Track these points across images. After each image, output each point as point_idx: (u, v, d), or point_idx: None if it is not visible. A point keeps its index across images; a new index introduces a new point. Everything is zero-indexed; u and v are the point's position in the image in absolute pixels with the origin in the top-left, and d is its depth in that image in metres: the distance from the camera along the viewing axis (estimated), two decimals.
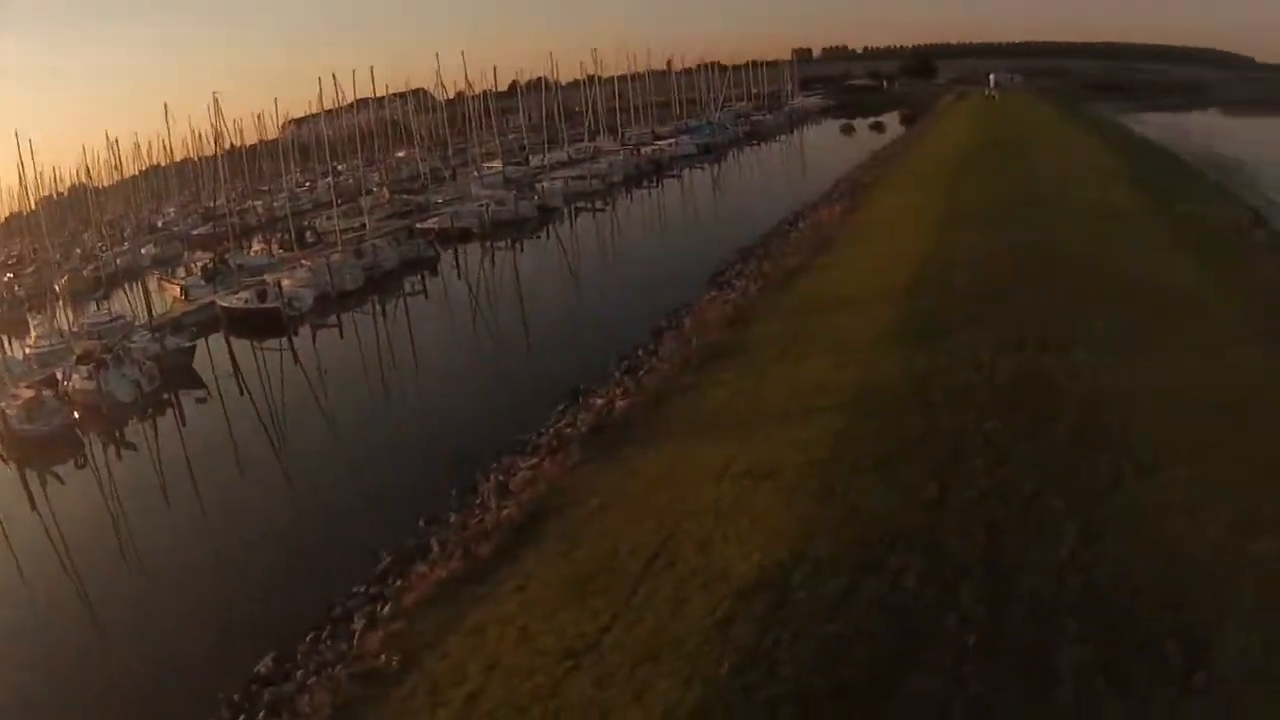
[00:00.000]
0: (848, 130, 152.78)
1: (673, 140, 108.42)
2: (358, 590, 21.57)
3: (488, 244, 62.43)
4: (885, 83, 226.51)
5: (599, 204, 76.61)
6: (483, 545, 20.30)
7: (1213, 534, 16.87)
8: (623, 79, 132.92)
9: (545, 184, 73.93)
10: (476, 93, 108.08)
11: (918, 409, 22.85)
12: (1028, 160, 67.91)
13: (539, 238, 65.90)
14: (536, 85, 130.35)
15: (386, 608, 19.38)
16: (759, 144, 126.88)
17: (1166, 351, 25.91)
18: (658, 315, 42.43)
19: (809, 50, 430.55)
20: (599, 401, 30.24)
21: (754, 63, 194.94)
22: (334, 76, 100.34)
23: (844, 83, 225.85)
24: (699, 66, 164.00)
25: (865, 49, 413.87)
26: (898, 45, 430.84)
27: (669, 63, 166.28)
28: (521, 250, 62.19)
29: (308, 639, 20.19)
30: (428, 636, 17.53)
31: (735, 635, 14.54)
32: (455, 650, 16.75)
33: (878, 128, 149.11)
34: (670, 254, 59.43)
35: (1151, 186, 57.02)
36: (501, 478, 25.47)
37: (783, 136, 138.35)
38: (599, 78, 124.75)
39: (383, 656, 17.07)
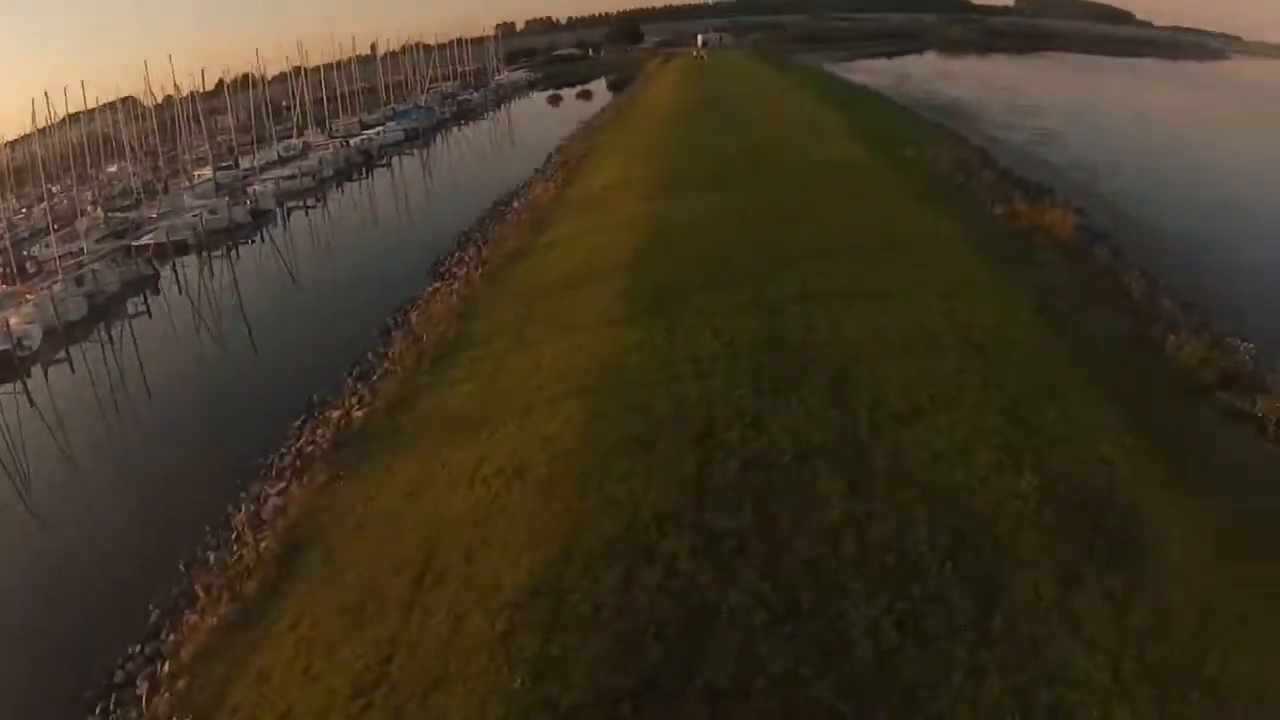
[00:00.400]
0: (555, 101, 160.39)
1: (380, 128, 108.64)
2: (134, 651, 21.06)
3: (205, 255, 61.43)
4: (591, 51, 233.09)
5: (312, 202, 77.35)
6: (248, 584, 20.84)
7: (982, 476, 19.06)
8: (329, 68, 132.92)
9: (256, 187, 74.38)
10: (184, 95, 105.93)
11: (663, 384, 24.22)
12: (744, 120, 73.38)
13: (255, 243, 66.52)
14: (245, 83, 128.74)
15: (166, 666, 19.41)
16: (467, 123, 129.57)
17: (904, 298, 29.04)
18: (385, 313, 42.92)
19: (513, 24, 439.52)
20: (336, 414, 30.41)
21: (459, 40, 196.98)
22: (45, 94, 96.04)
23: (550, 54, 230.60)
24: (404, 48, 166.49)
25: (570, 19, 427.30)
26: (603, 13, 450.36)
27: (373, 47, 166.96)
28: (239, 258, 62.28)
29: (96, 713, 19.47)
30: (214, 690, 17.59)
31: (521, 647, 15.22)
32: (245, 703, 16.92)
33: (585, 95, 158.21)
34: (389, 247, 60.91)
35: (873, 136, 63.15)
36: (253, 507, 25.82)
37: (491, 114, 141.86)
38: (305, 69, 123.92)
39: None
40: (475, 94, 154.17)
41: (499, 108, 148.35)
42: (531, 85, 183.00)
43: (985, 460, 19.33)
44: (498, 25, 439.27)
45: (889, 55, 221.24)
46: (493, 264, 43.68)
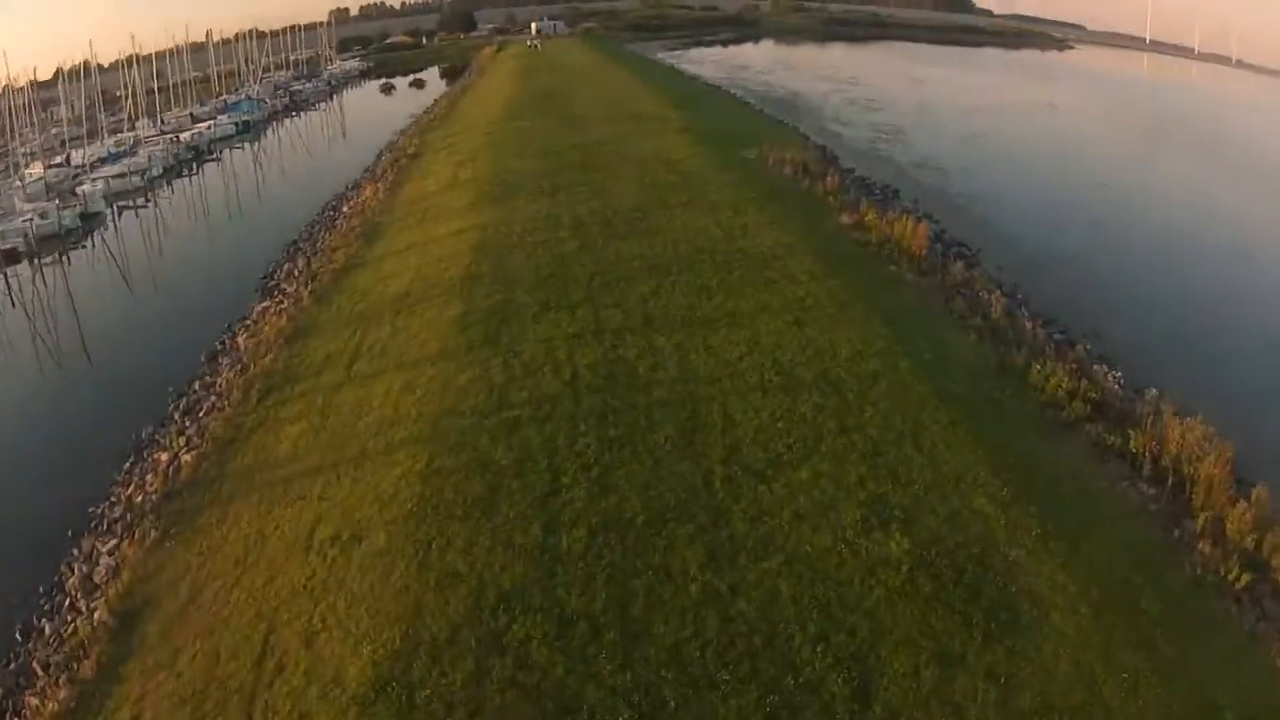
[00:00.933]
0: (388, 90, 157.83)
1: (210, 122, 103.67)
2: None
3: (36, 263, 56.99)
4: (425, 39, 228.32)
5: (142, 202, 72.69)
6: (84, 664, 19.57)
7: (850, 540, 17.93)
8: (162, 56, 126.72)
9: (86, 187, 70.34)
10: (19, 86, 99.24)
11: (503, 432, 22.44)
12: (578, 115, 71.52)
13: (86, 249, 62.36)
14: (84, 71, 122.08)
15: None
16: (299, 115, 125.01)
17: (752, 325, 27.62)
18: (213, 334, 39.65)
19: (347, 10, 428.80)
20: (163, 456, 27.95)
21: (292, 27, 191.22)
22: None
23: (383, 42, 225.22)
24: (237, 36, 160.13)
25: (404, 4, 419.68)
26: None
27: (208, 34, 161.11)
28: (70, 266, 57.75)
29: None
30: None
31: None
32: None
33: (418, 85, 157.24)
34: (219, 255, 56.94)
35: (711, 135, 62.10)
36: (85, 567, 24.19)
37: (323, 104, 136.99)
38: (138, 57, 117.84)
39: None
40: (307, 84, 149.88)
41: (331, 98, 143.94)
42: (364, 74, 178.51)
43: (852, 519, 18.25)
44: (332, 11, 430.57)
45: (725, 43, 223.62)
46: (322, 280, 40.84)
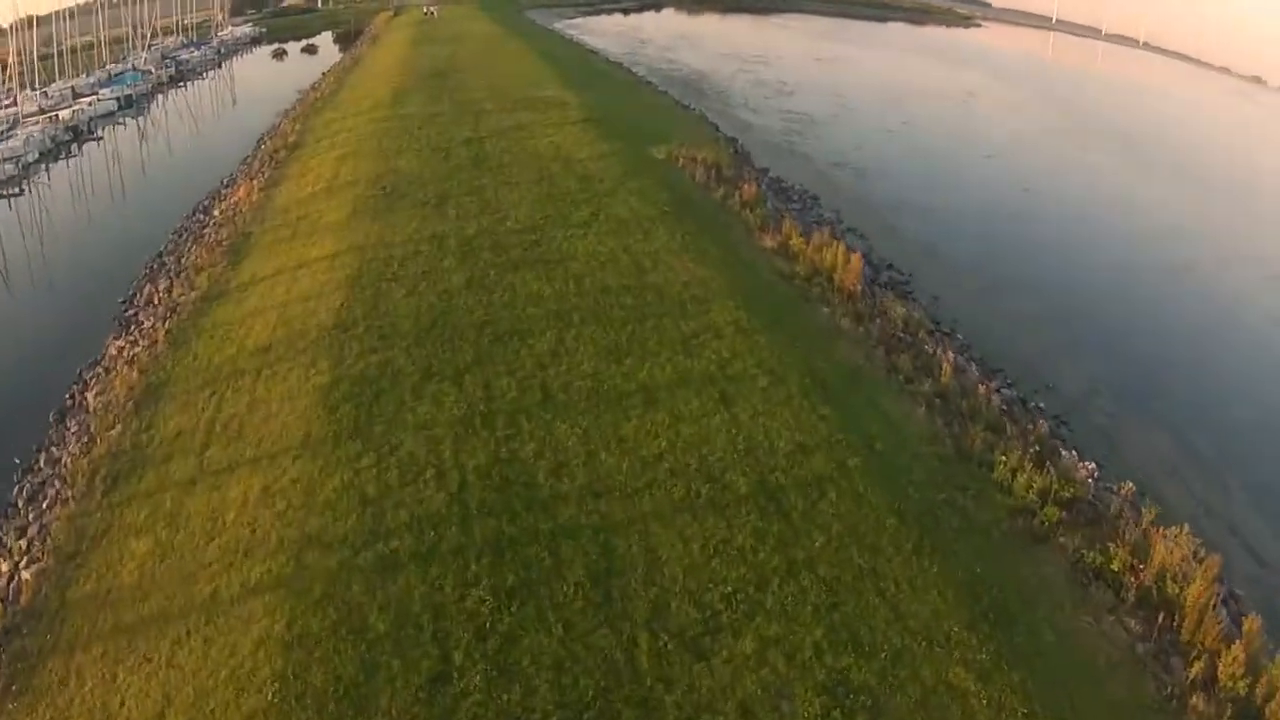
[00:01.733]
0: (280, 56, 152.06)
1: (92, 97, 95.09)
2: None
3: None
4: (320, 2, 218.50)
5: (15, 191, 64.38)
6: None
7: None
8: (50, 20, 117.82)
9: None
10: None
11: (378, 576, 18.07)
12: (471, 99, 66.26)
13: None
14: None
15: None
16: (186, 86, 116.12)
17: (671, 403, 23.80)
18: (69, 374, 33.84)
19: None
20: (4, 567, 22.98)
21: None
22: None
23: (279, 5, 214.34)
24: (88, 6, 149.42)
25: None
26: None
27: None
28: None
29: None
30: None
31: None
32: None
33: (310, 50, 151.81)
34: (87, 263, 49.25)
35: (616, 127, 57.69)
36: None
37: (212, 73, 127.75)
38: (32, 19, 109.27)
39: None
40: (196, 51, 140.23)
41: (220, 66, 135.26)
42: (256, 40, 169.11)
43: (810, 713, 14.70)
44: None
45: (626, 12, 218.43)
46: (181, 313, 35.28)
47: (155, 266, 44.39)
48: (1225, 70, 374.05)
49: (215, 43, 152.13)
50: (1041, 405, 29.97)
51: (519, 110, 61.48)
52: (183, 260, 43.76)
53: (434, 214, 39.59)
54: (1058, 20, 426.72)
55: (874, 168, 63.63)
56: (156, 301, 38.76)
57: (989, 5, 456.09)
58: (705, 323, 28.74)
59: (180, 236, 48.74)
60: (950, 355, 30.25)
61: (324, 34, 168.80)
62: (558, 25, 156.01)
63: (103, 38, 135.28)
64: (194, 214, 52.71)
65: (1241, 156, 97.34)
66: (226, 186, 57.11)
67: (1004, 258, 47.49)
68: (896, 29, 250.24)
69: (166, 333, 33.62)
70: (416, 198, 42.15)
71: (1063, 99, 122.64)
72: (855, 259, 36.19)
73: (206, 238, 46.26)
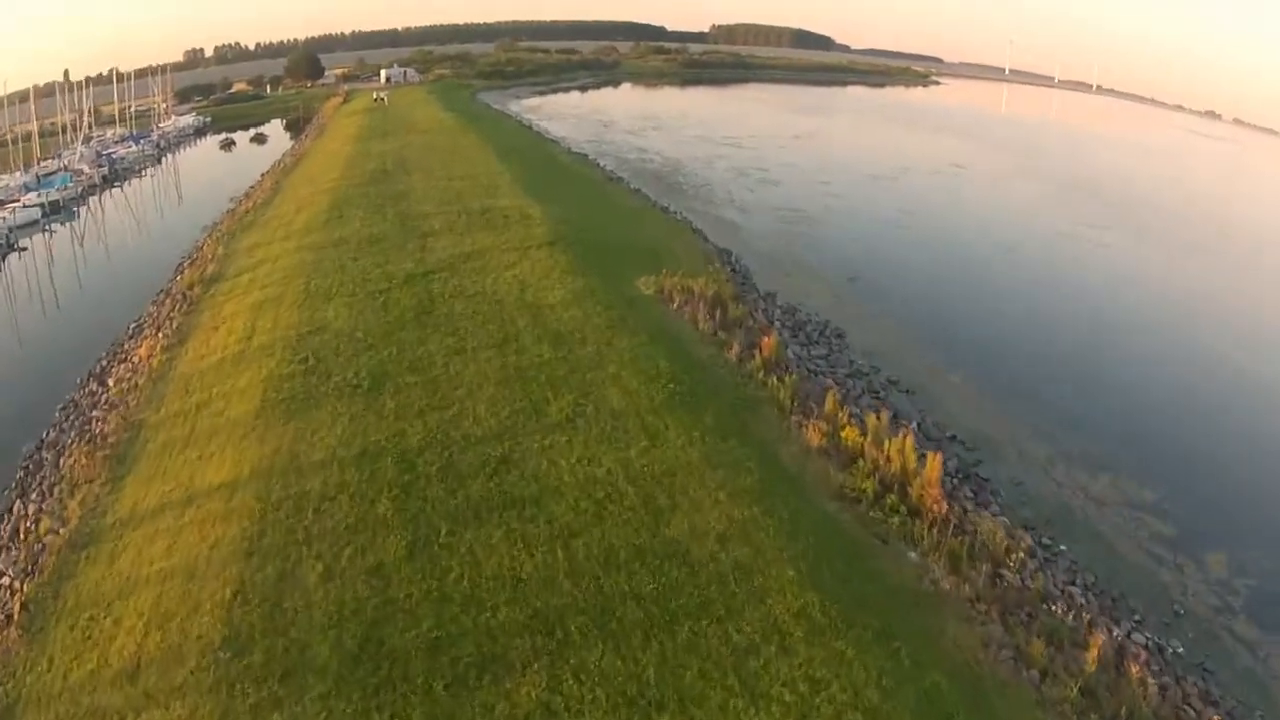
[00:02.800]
0: (224, 147, 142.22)
1: (14, 204, 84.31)
2: None
3: None
4: (269, 87, 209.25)
5: None
6: None
7: None
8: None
9: None
10: None
11: None
12: (416, 212, 57.51)
13: None
14: None
15: None
16: (121, 186, 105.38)
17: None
18: None
19: (202, 50, 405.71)
20: None
21: (117, 73, 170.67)
22: None
23: (225, 92, 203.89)
24: (67, 85, 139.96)
25: (258, 45, 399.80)
26: (291, 39, 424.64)
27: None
28: None
29: None
30: None
31: None
32: None
33: (259, 139, 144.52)
34: None
35: (589, 249, 48.81)
36: None
37: (150, 170, 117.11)
38: None
39: None
40: (134, 145, 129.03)
41: (160, 162, 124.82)
42: (200, 131, 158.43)
43: None
44: (186, 52, 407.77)
45: (584, 89, 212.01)
46: (44, 570, 25.26)
47: (31, 469, 33.93)
48: (1179, 108, 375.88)
49: (156, 135, 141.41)
50: None
51: (474, 229, 52.15)
52: (61, 464, 33.31)
53: (365, 408, 29.77)
54: (1010, 71, 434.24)
55: (893, 282, 54.79)
56: (21, 538, 28.34)
57: (942, 61, 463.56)
58: (762, 621, 19.14)
59: (67, 418, 38.22)
60: (1099, 640, 20.87)
61: (272, 122, 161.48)
62: (514, 108, 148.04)
63: (35, 130, 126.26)
64: (88, 382, 42.29)
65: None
66: (132, 337, 46.85)
67: (1096, 412, 38.14)
68: (859, 94, 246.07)
69: (21, 608, 23.38)
70: (344, 378, 32.31)
71: (1050, 167, 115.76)
72: (934, 462, 26.57)
73: (93, 428, 35.85)
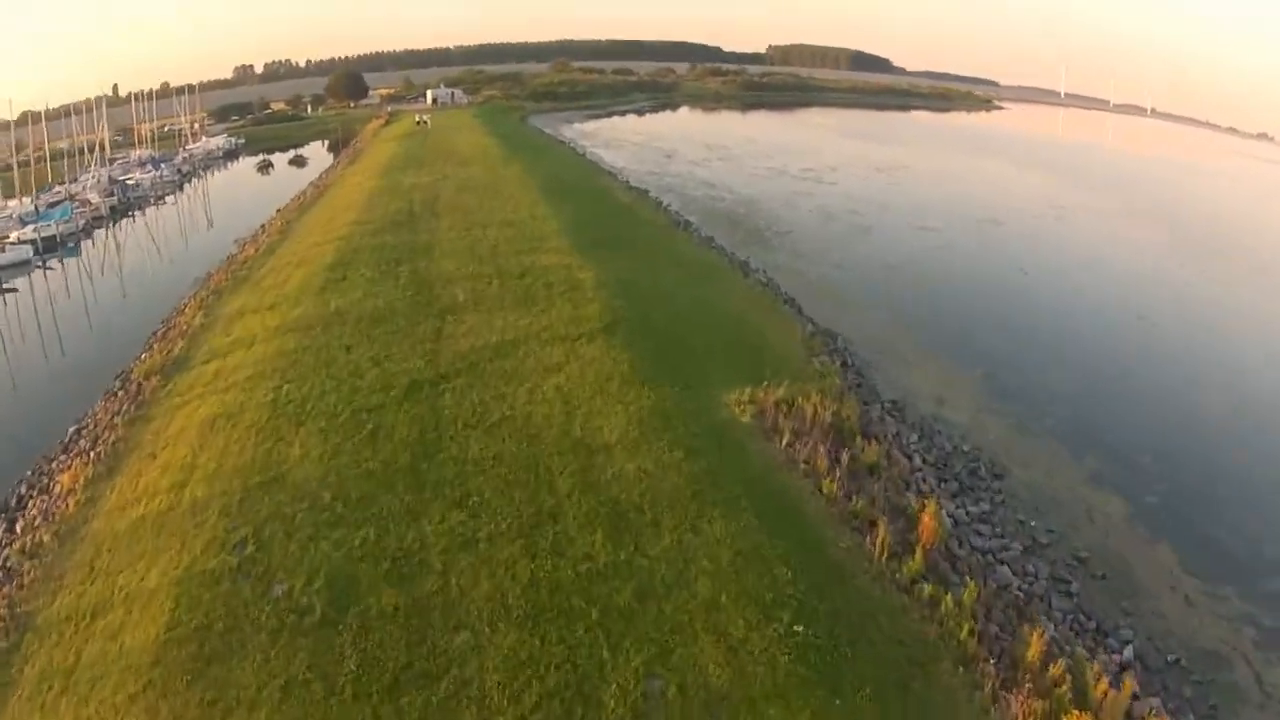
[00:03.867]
0: (265, 169, 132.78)
1: (4, 239, 74.14)
2: None
3: None
4: (310, 107, 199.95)
5: None
6: None
7: None
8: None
9: None
10: None
11: None
12: (440, 275, 45.93)
13: None
14: None
15: None
16: (133, 217, 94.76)
17: None
18: None
19: (251, 66, 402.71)
20: None
21: (148, 93, 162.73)
22: None
23: (262, 112, 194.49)
24: (86, 104, 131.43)
25: (308, 62, 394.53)
26: (342, 56, 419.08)
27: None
28: None
29: None
30: None
31: None
32: None
33: (299, 162, 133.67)
34: None
35: (661, 338, 37.27)
36: None
37: (171, 198, 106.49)
38: None
39: None
40: (153, 171, 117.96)
41: (180, 189, 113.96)
42: (231, 154, 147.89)
43: None
44: (236, 68, 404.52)
45: (640, 112, 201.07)
46: None
47: None
48: (1232, 130, 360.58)
49: (180, 158, 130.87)
50: None
51: (508, 303, 40.68)
52: None
53: (309, 668, 18.33)
54: (1066, 95, 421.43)
55: (1040, 375, 42.39)
56: None
57: (997, 84, 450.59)
58: None
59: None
60: None
61: (309, 145, 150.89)
62: (566, 133, 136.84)
63: (47, 152, 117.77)
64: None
65: None
66: (65, 451, 35.55)
67: None
68: (925, 120, 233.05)
69: None
70: (291, 593, 20.72)
71: (1155, 206, 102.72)
72: None
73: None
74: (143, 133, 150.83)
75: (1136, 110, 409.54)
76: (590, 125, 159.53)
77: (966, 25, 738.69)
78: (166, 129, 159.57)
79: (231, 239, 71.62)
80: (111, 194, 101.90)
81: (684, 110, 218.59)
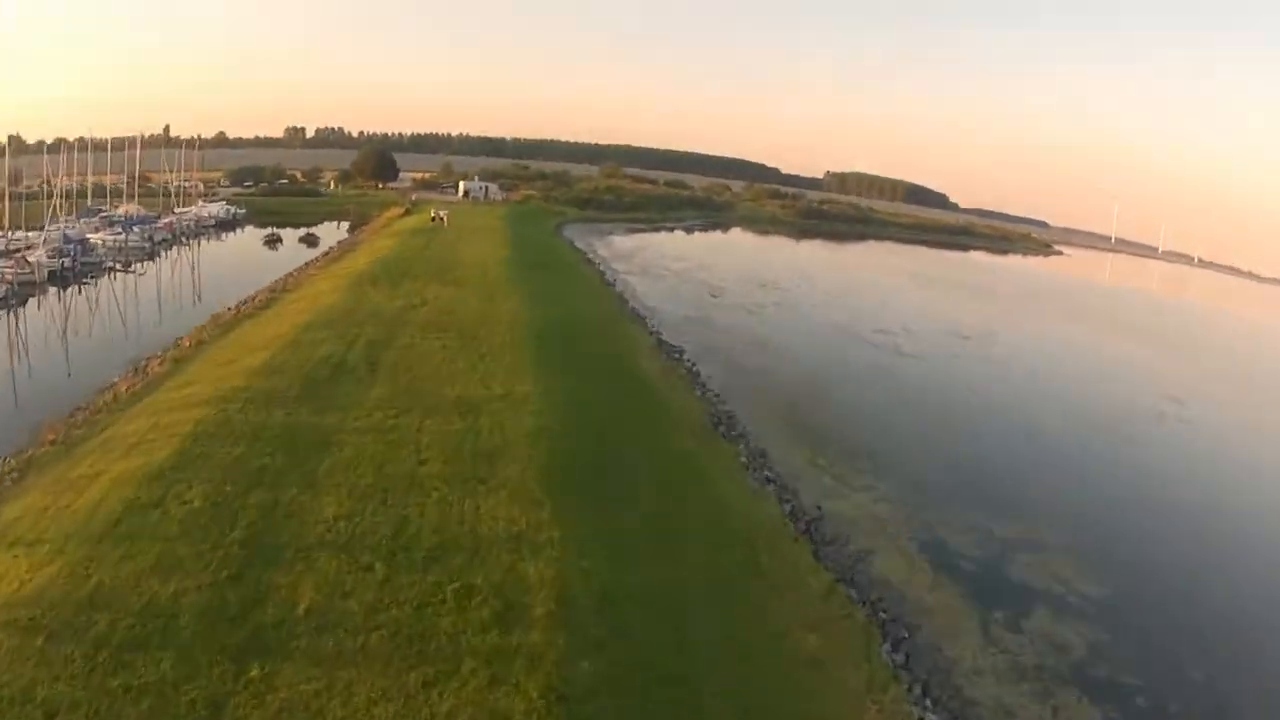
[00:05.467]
0: (273, 243, 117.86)
1: None
2: None
3: None
4: (333, 183, 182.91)
5: None
6: None
7: None
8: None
9: None
10: None
11: None
12: (302, 539, 25.43)
13: None
14: None
15: None
16: (79, 287, 77.53)
17: None
18: None
19: (303, 130, 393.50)
20: None
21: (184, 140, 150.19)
22: None
23: (276, 182, 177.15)
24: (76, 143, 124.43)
25: (361, 133, 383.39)
26: (395, 133, 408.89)
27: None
28: None
29: None
30: None
31: None
32: None
33: (310, 241, 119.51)
34: None
35: None
36: None
37: (138, 267, 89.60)
38: None
39: None
40: (122, 234, 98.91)
41: (151, 259, 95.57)
42: (224, 224, 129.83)
43: None
44: (287, 129, 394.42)
45: (689, 230, 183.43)
46: None
47: None
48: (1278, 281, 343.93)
49: (164, 222, 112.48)
50: None
51: (369, 654, 20.20)
52: None
53: None
54: (1117, 240, 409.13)
55: None
56: None
57: (1047, 225, 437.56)
58: None
59: None
60: None
61: (312, 226, 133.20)
62: (601, 251, 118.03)
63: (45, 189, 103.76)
64: None
65: None
66: None
67: None
68: (989, 264, 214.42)
69: None
70: None
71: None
72: None
73: None
74: (159, 181, 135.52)
75: (1183, 259, 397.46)
76: (632, 241, 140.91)
77: (1019, 163, 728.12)
78: (178, 184, 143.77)
79: (164, 337, 53.41)
80: (65, 254, 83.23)
81: (735, 231, 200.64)
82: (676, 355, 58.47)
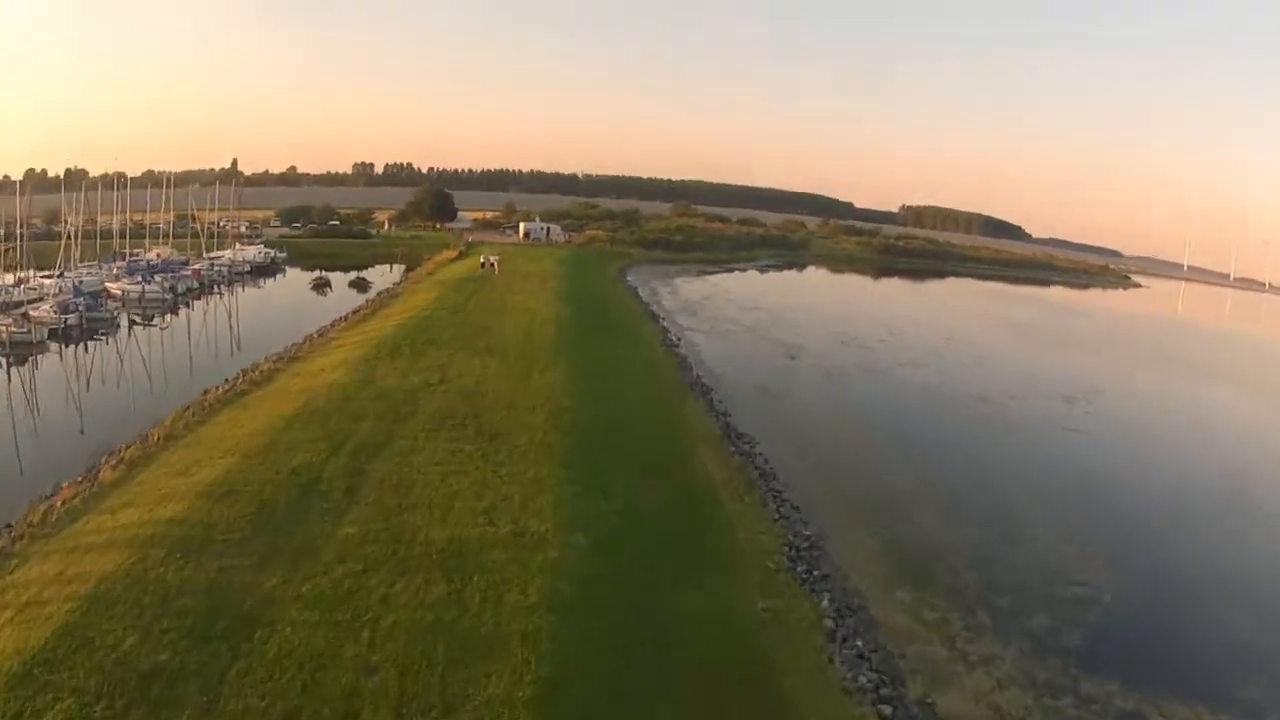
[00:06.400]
0: (321, 287, 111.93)
1: None
2: None
3: None
4: (385, 224, 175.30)
5: None
6: None
7: None
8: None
9: None
10: None
11: None
12: None
13: None
14: None
15: None
16: (84, 345, 70.48)
17: None
18: None
19: (371, 165, 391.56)
20: None
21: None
22: None
23: (325, 221, 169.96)
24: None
25: (430, 169, 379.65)
26: (466, 169, 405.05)
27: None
28: None
29: None
30: None
31: None
32: None
33: (360, 285, 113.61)
34: None
35: None
36: None
37: (160, 322, 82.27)
38: None
39: None
40: (140, 284, 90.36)
41: (174, 312, 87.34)
42: (262, 269, 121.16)
43: None
44: (355, 164, 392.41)
45: (763, 269, 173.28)
46: None
47: None
48: None
49: (192, 269, 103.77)
50: None
51: None
52: None
53: None
54: (1189, 268, 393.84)
55: None
56: None
57: (1120, 255, 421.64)
58: None
59: None
60: None
61: (359, 271, 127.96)
62: (666, 301, 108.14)
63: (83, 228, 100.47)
64: None
65: None
66: None
67: None
68: (1073, 301, 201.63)
69: None
70: None
71: None
72: None
73: None
74: (203, 221, 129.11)
75: (1254, 285, 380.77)
76: (702, 286, 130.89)
77: (1092, 191, 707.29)
78: (224, 224, 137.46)
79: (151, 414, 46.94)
80: (72, 309, 75.43)
81: (810, 270, 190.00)
82: (746, 447, 47.79)
